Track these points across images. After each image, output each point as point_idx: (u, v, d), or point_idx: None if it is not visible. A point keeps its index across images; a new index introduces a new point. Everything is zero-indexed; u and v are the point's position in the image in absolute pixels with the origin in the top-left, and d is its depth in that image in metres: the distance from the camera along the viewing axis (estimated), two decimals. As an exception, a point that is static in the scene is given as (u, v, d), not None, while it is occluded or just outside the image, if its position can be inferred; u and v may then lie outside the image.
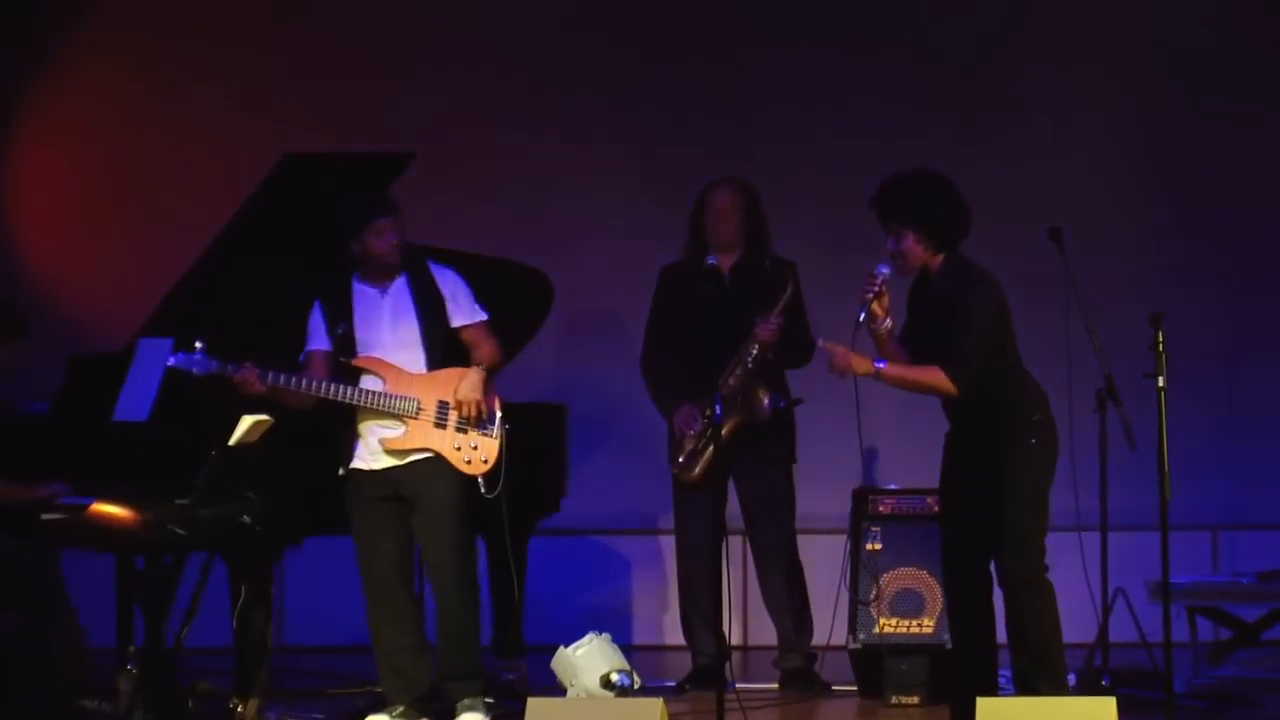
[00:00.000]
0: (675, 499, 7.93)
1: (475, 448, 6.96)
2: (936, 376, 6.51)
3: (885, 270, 6.63)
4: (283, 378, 6.77)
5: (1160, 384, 6.72)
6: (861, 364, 6.55)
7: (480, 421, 6.94)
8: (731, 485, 7.84)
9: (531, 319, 7.93)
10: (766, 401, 7.65)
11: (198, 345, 6.65)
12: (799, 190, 9.16)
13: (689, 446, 7.76)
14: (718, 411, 6.87)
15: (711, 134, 9.54)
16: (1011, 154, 9.23)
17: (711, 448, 7.34)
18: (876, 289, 6.58)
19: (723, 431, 7.37)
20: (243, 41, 9.59)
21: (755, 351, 7.69)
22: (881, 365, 6.57)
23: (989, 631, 6.70)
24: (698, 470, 7.70)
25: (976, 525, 6.58)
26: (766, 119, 9.60)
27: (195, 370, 6.67)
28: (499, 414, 6.99)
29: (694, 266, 7.53)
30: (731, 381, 7.68)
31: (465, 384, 6.94)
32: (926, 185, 6.62)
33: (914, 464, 7.07)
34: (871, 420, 7.03)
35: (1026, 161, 9.29)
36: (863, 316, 6.58)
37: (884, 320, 6.65)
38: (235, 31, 9.58)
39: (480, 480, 6.94)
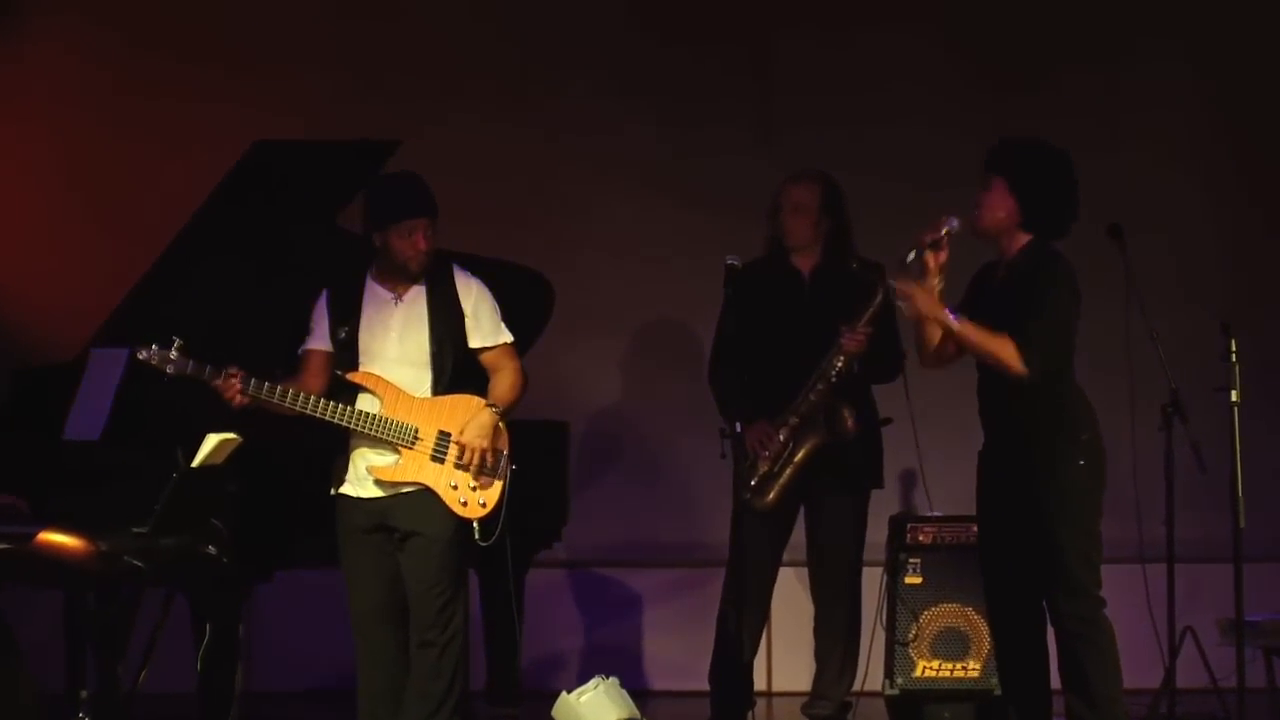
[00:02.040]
0: (736, 527, 7.51)
1: (474, 489, 6.59)
2: (1006, 347, 6.30)
3: (954, 222, 6.44)
4: (267, 386, 6.42)
5: (1233, 399, 6.73)
6: (935, 309, 6.35)
7: (484, 468, 6.64)
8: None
9: (530, 326, 7.61)
10: (851, 421, 7.36)
11: (175, 341, 6.32)
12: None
13: (763, 469, 7.36)
14: (738, 428, 6.76)
15: (726, 126, 9.28)
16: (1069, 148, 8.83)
17: (787, 472, 7.24)
18: (937, 236, 6.38)
19: (797, 455, 7.28)
20: (211, 25, 9.41)
21: (840, 364, 7.37)
22: (954, 316, 6.34)
23: (1041, 675, 6.53)
24: (772, 496, 7.37)
25: (1023, 556, 6.39)
26: (787, 108, 9.34)
27: (168, 369, 6.31)
28: (505, 453, 6.65)
29: (772, 267, 7.46)
30: (813, 397, 7.37)
31: (474, 426, 6.54)
32: (1046, 154, 6.45)
33: (966, 489, 6.88)
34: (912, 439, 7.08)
35: (1084, 157, 8.85)
36: (911, 257, 6.39)
37: (937, 282, 6.43)
38: (202, 16, 9.44)
39: (475, 525, 6.59)
